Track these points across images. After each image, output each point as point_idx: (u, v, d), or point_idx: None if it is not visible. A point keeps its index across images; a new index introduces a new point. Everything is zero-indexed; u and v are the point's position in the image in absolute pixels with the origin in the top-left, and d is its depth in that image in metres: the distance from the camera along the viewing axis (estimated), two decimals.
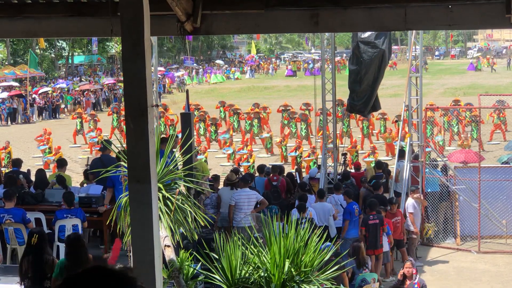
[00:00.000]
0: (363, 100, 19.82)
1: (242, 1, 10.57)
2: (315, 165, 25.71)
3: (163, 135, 23.45)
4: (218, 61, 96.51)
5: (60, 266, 10.18)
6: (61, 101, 56.22)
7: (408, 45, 21.32)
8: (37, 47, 74.56)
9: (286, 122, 36.28)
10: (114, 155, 17.56)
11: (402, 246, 17.47)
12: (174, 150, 11.39)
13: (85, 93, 58.34)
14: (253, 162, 27.85)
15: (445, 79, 71.86)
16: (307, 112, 35.45)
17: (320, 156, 24.41)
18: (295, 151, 29.44)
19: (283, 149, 31.13)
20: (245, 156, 28.62)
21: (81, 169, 25.11)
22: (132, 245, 8.27)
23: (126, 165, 8.80)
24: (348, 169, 23.10)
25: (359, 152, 29.16)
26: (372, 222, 16.36)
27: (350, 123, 34.03)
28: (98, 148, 26.73)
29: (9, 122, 50.90)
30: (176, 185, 10.42)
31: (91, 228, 17.36)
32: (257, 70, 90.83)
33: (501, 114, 34.66)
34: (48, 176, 19.48)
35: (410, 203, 17.98)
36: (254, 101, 50.05)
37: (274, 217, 9.72)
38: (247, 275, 9.01)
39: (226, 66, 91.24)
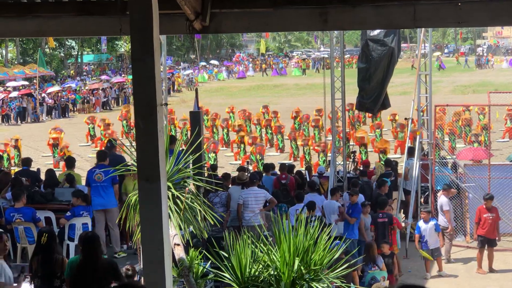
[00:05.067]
0: (372, 98, 19.81)
1: None
2: (325, 163, 25.73)
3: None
4: (213, 61, 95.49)
5: (71, 265, 10.19)
6: (72, 100, 56.35)
7: (417, 42, 21.27)
8: (46, 46, 74.71)
9: (298, 125, 36.47)
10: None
11: (493, 245, 17.27)
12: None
13: (94, 92, 58.42)
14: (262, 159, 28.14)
15: (455, 77, 71.72)
16: (319, 117, 35.46)
17: (329, 154, 24.42)
18: (304, 147, 29.53)
19: (293, 147, 31.16)
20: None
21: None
22: (142, 243, 8.28)
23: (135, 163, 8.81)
24: (358, 167, 23.08)
25: (368, 149, 29.14)
26: (381, 220, 16.33)
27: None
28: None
29: (19, 121, 51.07)
30: (186, 184, 10.43)
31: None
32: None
33: None
34: (58, 175, 19.51)
35: (444, 201, 17.92)
36: (264, 99, 50.13)
37: (283, 215, 9.72)
38: (256, 273, 9.00)
39: (208, 66, 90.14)
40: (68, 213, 15.46)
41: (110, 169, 14.80)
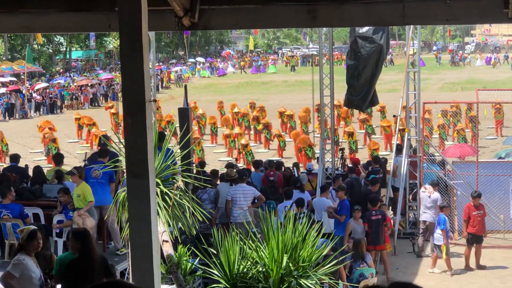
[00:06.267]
0: (361, 95, 19.83)
1: None
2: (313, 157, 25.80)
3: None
4: (199, 59, 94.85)
5: (60, 263, 10.12)
6: (60, 97, 56.17)
7: (406, 40, 21.31)
8: (34, 42, 74.44)
9: (285, 121, 36.70)
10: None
11: (480, 242, 17.28)
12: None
13: (82, 89, 58.27)
14: (250, 150, 28.26)
15: (443, 74, 71.84)
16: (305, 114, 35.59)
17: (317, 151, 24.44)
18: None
19: (281, 144, 31.18)
20: (241, 147, 28.82)
21: (80, 164, 25.09)
22: (130, 240, 8.27)
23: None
24: (346, 163, 23.11)
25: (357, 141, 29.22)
26: (374, 217, 16.25)
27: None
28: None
29: (7, 117, 50.90)
30: (174, 180, 10.42)
31: None
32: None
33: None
34: (46, 171, 19.47)
35: (438, 196, 17.96)
36: (252, 96, 50.18)
37: (271, 212, 9.72)
38: (245, 270, 9.01)
39: (190, 63, 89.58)
40: (71, 213, 15.23)
41: (101, 165, 14.76)
